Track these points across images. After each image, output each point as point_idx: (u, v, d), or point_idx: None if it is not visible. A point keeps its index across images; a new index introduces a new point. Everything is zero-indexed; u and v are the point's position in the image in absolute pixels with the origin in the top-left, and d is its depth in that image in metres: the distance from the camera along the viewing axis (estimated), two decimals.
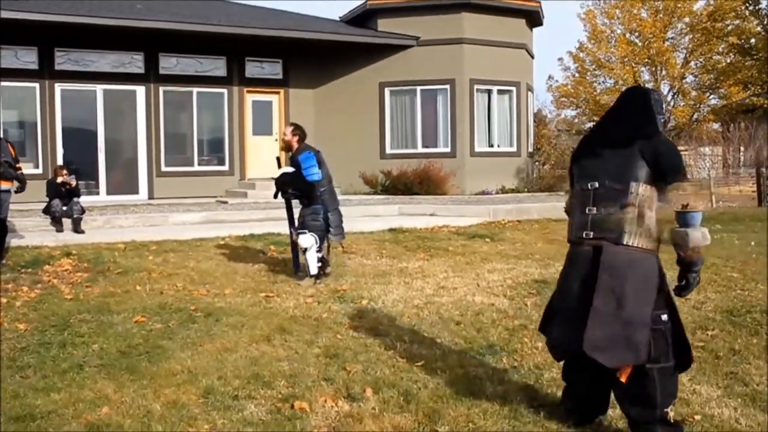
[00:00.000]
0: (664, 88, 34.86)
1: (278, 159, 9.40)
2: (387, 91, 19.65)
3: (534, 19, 21.62)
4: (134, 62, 17.45)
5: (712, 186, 23.18)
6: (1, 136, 12.00)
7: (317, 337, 6.13)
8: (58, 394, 4.72)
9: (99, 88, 17.13)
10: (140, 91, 17.65)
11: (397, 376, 5.07)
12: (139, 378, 5.05)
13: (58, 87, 16.67)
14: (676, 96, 35.14)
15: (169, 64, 17.88)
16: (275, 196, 9.07)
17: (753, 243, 12.02)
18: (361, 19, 20.57)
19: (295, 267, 8.99)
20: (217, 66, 18.51)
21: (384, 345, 5.84)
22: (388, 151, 19.70)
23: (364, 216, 14.20)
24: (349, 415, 4.38)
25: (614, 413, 4.28)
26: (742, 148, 15.50)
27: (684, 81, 34.97)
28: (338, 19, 21.73)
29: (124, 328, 6.48)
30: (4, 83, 16.02)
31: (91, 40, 16.51)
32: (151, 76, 17.66)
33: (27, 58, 16.30)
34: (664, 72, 34.42)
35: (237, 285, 8.45)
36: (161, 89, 17.84)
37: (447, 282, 8.45)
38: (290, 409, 4.46)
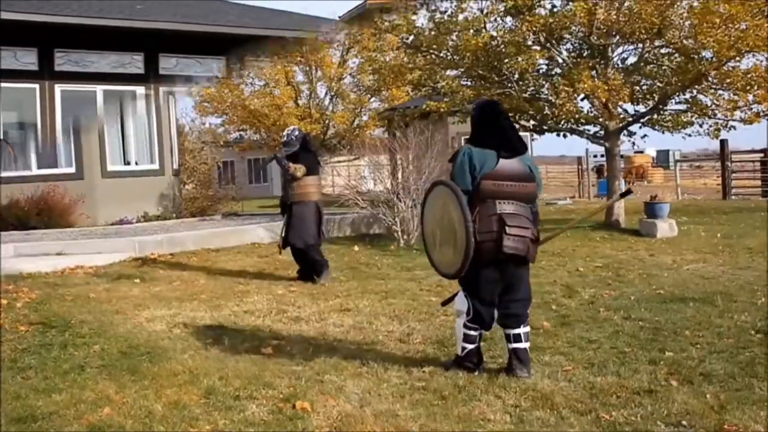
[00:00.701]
0: (321, 90, 31.70)
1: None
2: None
3: None
4: (134, 63, 17.35)
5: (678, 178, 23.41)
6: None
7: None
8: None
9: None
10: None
11: None
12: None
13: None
14: (334, 99, 31.80)
15: (168, 64, 17.74)
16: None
17: (719, 235, 12.09)
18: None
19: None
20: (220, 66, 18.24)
21: None
22: None
23: None
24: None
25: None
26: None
27: (342, 82, 31.46)
28: (338, 18, 21.42)
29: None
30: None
31: (91, 41, 16.42)
32: (150, 76, 17.51)
33: (27, 59, 16.21)
34: (319, 72, 31.04)
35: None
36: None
37: None
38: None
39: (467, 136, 5.49)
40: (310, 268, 9.06)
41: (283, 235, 9.23)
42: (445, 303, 5.79)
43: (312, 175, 9.04)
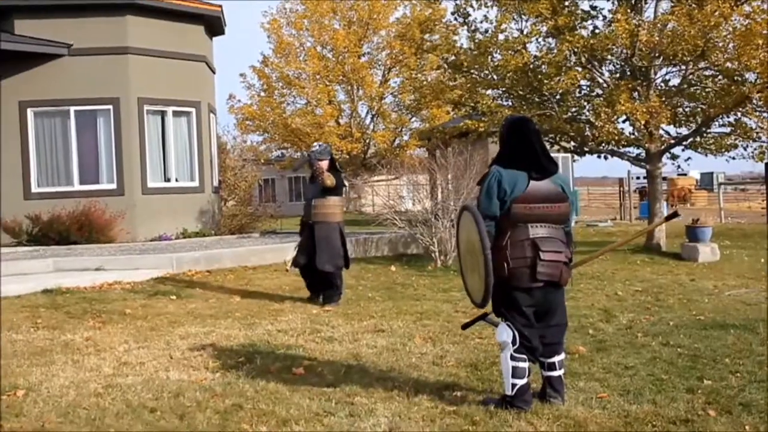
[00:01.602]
0: (362, 109, 32.11)
1: None
2: (30, 112, 15.13)
3: (214, 26, 17.64)
4: None
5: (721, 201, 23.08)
6: None
7: None
8: None
9: None
10: None
11: None
12: None
13: None
14: (375, 118, 32.41)
15: None
16: None
17: (763, 260, 11.85)
18: None
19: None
20: None
21: None
22: (35, 189, 15.12)
23: (6, 275, 10.25)
24: None
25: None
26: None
27: (383, 101, 31.95)
28: None
29: None
30: None
31: None
32: None
33: None
34: (361, 91, 31.35)
35: None
36: None
37: (130, 356, 6.47)
38: None
39: None
40: (326, 288, 9.03)
41: (295, 254, 9.23)
42: (465, 326, 5.66)
43: (336, 195, 9.04)
